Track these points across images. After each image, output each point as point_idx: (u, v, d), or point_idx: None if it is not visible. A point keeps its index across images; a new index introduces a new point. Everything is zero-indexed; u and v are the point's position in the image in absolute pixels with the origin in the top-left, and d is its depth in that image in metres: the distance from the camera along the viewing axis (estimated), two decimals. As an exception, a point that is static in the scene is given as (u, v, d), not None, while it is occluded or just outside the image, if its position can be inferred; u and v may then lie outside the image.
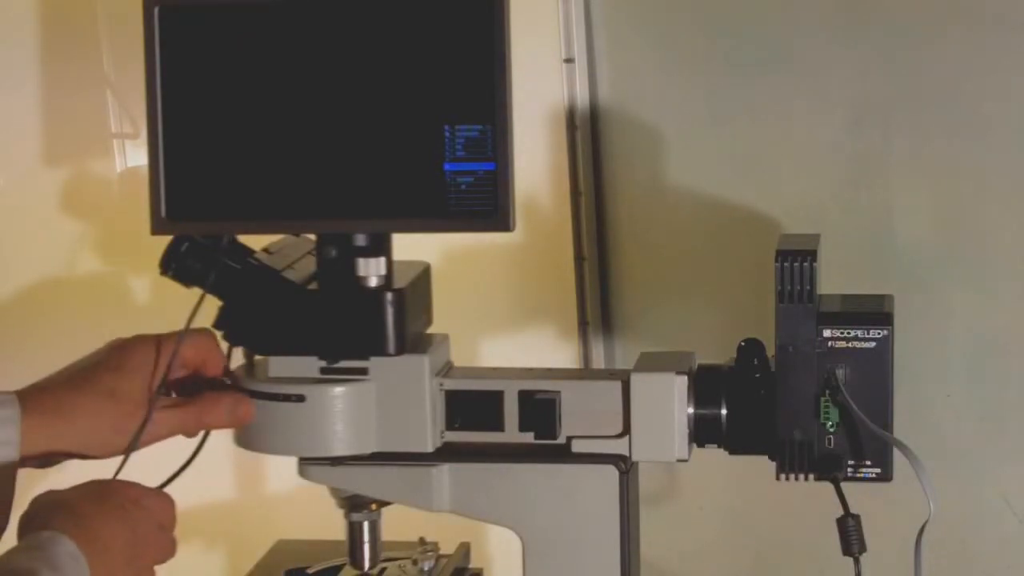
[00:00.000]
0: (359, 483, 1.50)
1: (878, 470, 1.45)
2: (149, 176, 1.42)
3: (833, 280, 1.55)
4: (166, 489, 1.37)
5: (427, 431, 1.45)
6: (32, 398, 1.34)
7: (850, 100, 1.87)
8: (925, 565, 1.41)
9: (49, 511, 1.23)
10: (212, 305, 1.44)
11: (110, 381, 1.38)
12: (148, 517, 1.28)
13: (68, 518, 1.22)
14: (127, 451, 1.37)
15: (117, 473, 1.36)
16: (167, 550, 1.31)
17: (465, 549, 1.67)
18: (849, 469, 1.45)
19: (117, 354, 1.40)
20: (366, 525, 1.57)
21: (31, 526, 1.22)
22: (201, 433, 1.44)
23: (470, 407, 1.47)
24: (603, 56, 1.97)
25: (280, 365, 1.45)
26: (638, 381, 1.45)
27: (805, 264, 1.43)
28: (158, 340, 1.41)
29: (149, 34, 1.40)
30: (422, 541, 1.64)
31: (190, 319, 1.41)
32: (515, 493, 1.48)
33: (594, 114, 1.98)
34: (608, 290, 2.04)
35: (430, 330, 1.50)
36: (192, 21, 1.39)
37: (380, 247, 1.43)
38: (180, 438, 1.44)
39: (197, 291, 1.43)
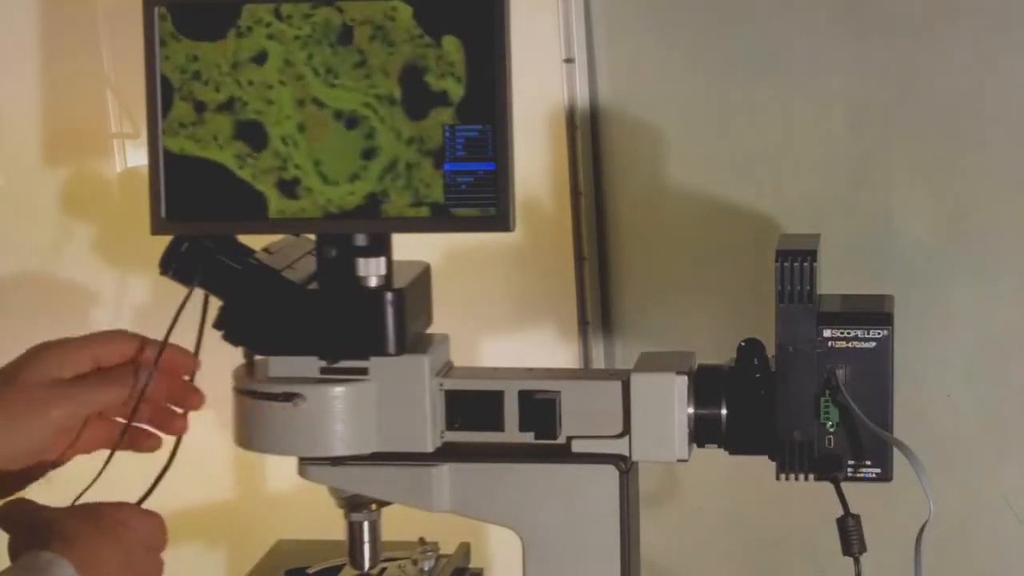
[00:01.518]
0: (359, 483, 1.50)
1: (878, 470, 1.45)
2: (149, 176, 1.42)
3: (833, 280, 1.55)
4: (155, 507, 1.34)
5: (427, 431, 1.45)
6: None
7: (850, 100, 1.87)
8: (925, 565, 1.41)
9: (42, 532, 1.22)
10: (211, 305, 1.44)
11: (9, 371, 1.32)
12: (137, 538, 1.27)
13: (63, 540, 1.20)
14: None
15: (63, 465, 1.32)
16: (156, 571, 1.30)
17: (465, 549, 1.67)
18: (849, 469, 1.45)
19: (28, 351, 1.36)
20: (366, 525, 1.57)
21: (20, 545, 1.21)
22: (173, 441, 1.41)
23: (470, 407, 1.46)
24: (603, 56, 1.97)
25: (280, 365, 1.44)
26: (638, 381, 1.45)
27: (805, 264, 1.43)
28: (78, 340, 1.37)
29: (149, 34, 1.40)
30: (422, 541, 1.64)
31: (176, 318, 1.40)
32: (515, 493, 1.48)
33: (594, 114, 1.98)
34: (608, 290, 2.04)
35: (430, 330, 1.50)
36: (192, 21, 1.39)
37: (380, 247, 1.43)
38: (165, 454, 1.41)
39: (198, 292, 1.43)
